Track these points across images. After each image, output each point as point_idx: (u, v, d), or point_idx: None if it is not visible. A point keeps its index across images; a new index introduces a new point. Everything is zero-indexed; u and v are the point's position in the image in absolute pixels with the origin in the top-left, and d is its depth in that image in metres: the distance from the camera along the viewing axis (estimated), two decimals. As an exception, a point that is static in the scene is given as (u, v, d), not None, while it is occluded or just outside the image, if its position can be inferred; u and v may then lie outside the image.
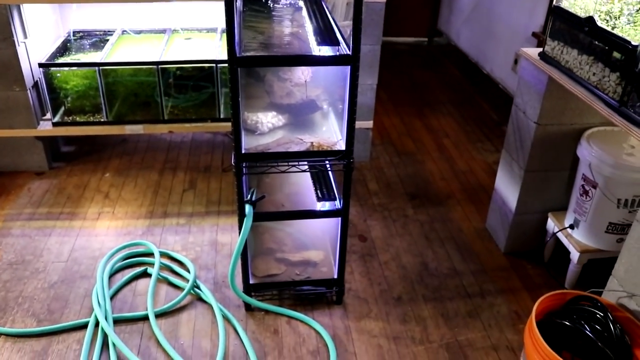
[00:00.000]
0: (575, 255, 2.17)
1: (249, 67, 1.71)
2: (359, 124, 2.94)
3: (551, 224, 2.31)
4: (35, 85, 2.85)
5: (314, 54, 1.63)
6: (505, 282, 2.29)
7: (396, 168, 3.08)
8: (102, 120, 2.88)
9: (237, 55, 1.55)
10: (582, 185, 2.11)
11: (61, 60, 2.83)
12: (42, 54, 2.84)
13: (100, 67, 2.73)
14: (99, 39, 3.09)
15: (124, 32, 3.13)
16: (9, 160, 2.97)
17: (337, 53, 1.61)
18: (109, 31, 3.14)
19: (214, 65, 2.76)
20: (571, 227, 2.20)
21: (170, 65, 2.75)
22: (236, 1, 1.91)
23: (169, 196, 2.79)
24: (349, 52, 1.60)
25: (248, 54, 1.64)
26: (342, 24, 2.44)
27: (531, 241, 2.42)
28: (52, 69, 2.76)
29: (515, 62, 3.57)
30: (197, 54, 2.85)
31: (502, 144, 2.41)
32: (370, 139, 3.06)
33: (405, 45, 5.04)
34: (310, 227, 2.21)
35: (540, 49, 2.12)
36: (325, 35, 1.68)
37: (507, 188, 2.38)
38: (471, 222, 2.65)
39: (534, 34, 3.33)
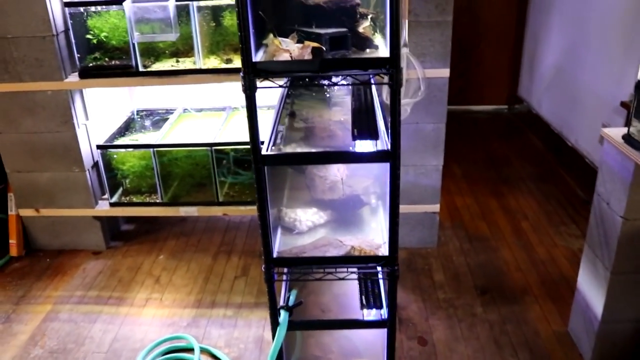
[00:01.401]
0: (678, 379, 1.79)
1: (276, 166, 1.55)
2: (423, 208, 2.71)
3: (647, 337, 1.95)
4: (96, 165, 2.85)
5: (348, 149, 1.45)
6: (591, 405, 1.93)
7: (466, 256, 2.79)
8: (157, 201, 2.83)
9: (262, 153, 1.40)
10: (684, 295, 1.76)
11: (120, 140, 2.83)
12: (106, 133, 2.85)
13: (155, 149, 2.69)
14: (161, 118, 3.09)
15: (185, 110, 3.11)
16: (69, 239, 2.97)
17: (375, 149, 1.42)
18: (171, 109, 3.14)
19: (268, 146, 2.65)
20: (672, 343, 1.84)
21: (224, 146, 2.67)
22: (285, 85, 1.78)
23: (219, 283, 2.65)
24: (387, 148, 1.41)
25: (286, 149, 1.49)
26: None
27: (624, 354, 2.05)
28: (110, 150, 2.75)
29: (604, 135, 3.23)
30: (253, 133, 2.76)
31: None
32: (437, 224, 2.80)
33: (484, 113, 4.78)
34: (360, 331, 1.98)
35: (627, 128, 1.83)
36: (365, 126, 1.50)
37: (591, 290, 2.05)
38: (550, 324, 2.31)
39: (622, 104, 3.00)
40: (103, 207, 2.87)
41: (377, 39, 1.48)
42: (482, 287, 2.56)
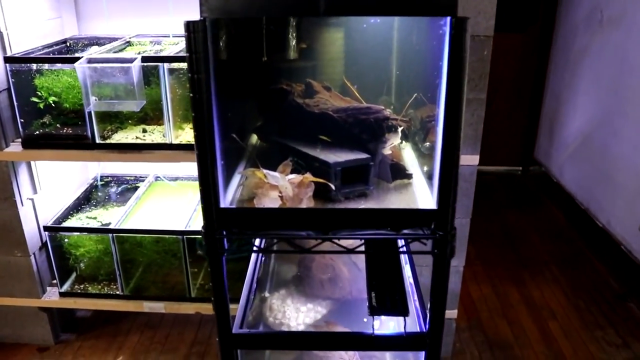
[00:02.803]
0: None
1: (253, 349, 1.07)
2: (438, 315, 2.23)
3: None
4: (45, 246, 2.36)
5: (365, 333, 0.97)
6: None
7: (488, 371, 2.31)
8: (117, 293, 2.34)
9: (233, 330, 0.92)
10: None
11: (76, 217, 2.36)
12: (60, 205, 2.38)
13: (115, 234, 2.20)
14: (129, 186, 2.62)
15: (157, 178, 2.64)
16: (10, 330, 2.47)
17: (403, 331, 0.95)
18: (141, 177, 2.67)
19: (252, 237, 2.17)
20: None
21: (199, 235, 2.19)
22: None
23: (186, 403, 2.15)
24: (422, 329, 0.94)
25: (273, 299, 1.02)
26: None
27: None
28: (60, 233, 2.27)
29: (644, 219, 2.78)
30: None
31: (630, 332, 1.61)
32: (453, 331, 2.33)
33: (495, 175, 4.34)
34: None
35: None
36: (386, 288, 1.02)
37: None
38: None
39: (671, 190, 2.56)
40: (51, 297, 2.37)
41: (407, 153, 1.03)
42: (511, 422, 2.07)
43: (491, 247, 3.29)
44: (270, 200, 0.83)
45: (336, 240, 0.81)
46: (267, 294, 1.13)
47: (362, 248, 0.89)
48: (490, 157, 4.38)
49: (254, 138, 1.09)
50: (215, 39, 0.79)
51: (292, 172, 0.88)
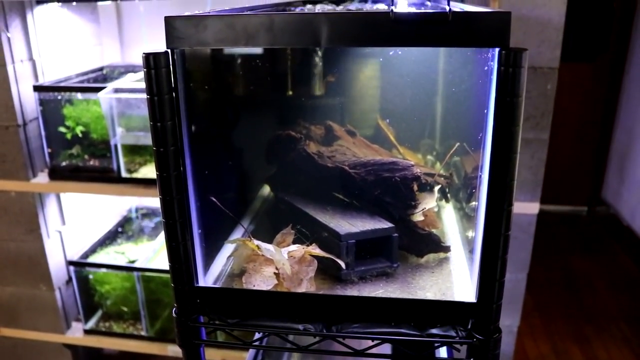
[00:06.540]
0: None
1: None
2: (489, 379, 1.98)
3: None
4: (71, 280, 2.26)
5: None
6: None
7: None
8: (142, 334, 2.21)
9: None
10: None
11: (104, 251, 2.25)
12: (90, 239, 2.29)
13: (139, 273, 2.08)
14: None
15: (192, 212, 2.51)
16: (35, 365, 2.38)
17: None
18: (176, 209, 2.54)
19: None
20: None
21: (226, 278, 2.04)
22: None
23: None
24: None
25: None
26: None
27: None
28: (86, 268, 2.17)
29: None
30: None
31: None
32: (506, 398, 2.07)
33: (558, 216, 4.02)
34: None
35: None
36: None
37: None
38: None
39: None
40: (75, 334, 2.26)
41: (447, 215, 0.83)
42: None
43: (551, 297, 2.99)
44: (262, 279, 0.65)
45: (341, 339, 0.63)
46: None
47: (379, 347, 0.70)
48: (552, 195, 4.07)
49: (266, 191, 0.93)
50: (190, 73, 0.64)
51: (295, 242, 0.71)
